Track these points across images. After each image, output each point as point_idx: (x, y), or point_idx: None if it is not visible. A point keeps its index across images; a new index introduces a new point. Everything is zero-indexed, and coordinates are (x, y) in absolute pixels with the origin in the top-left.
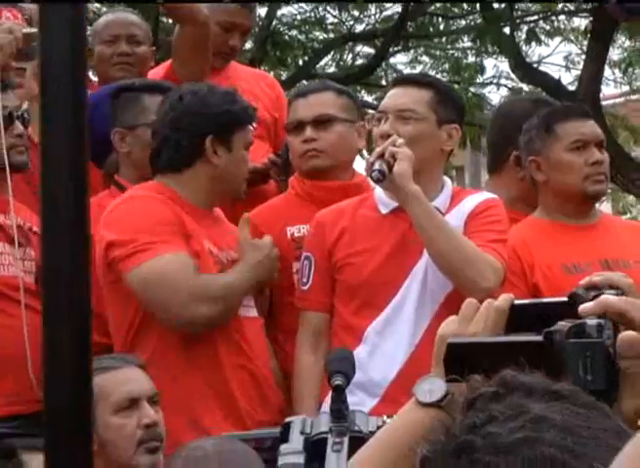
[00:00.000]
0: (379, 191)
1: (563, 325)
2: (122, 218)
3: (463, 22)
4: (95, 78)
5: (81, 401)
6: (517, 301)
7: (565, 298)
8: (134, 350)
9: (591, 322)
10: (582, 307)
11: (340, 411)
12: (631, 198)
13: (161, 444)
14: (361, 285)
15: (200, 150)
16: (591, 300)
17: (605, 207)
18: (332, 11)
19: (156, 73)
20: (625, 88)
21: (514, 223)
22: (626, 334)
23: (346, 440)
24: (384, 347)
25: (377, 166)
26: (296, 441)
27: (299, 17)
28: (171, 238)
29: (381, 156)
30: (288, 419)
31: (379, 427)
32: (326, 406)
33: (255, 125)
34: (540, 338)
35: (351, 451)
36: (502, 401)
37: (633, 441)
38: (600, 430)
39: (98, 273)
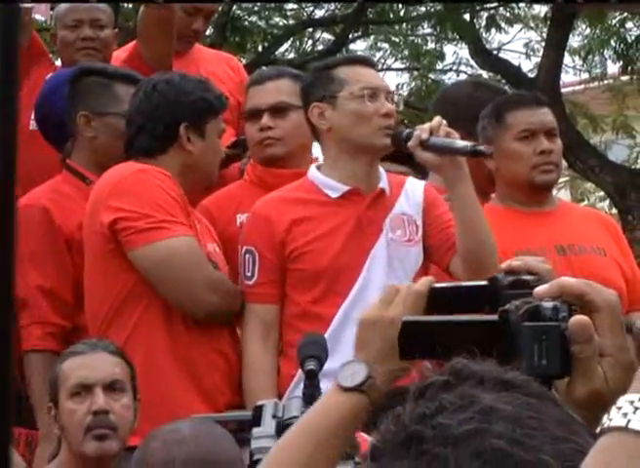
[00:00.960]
0: (321, 177)
1: (517, 305)
2: (136, 190)
3: (423, 9)
4: (58, 63)
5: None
6: (436, 285)
7: (484, 282)
8: (113, 326)
9: (547, 304)
10: (538, 290)
11: (312, 396)
12: (589, 185)
13: (113, 432)
14: (324, 271)
15: (174, 137)
16: (508, 284)
17: (563, 194)
18: None
19: (118, 56)
20: (585, 75)
21: None
22: (577, 319)
23: None
24: (350, 334)
25: (463, 143)
26: (268, 425)
27: (258, 2)
28: (184, 220)
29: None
30: (260, 402)
31: None
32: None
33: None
34: (495, 318)
35: None
36: (453, 390)
37: (602, 445)
38: (549, 421)
39: (88, 246)
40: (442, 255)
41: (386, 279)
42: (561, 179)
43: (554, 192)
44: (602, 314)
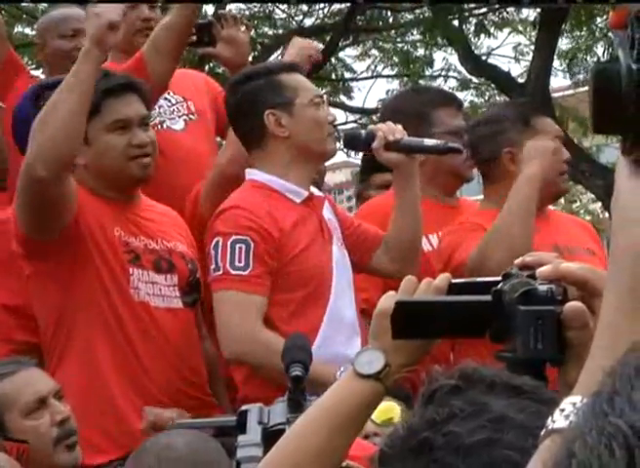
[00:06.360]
0: (281, 181)
1: (512, 285)
2: None
3: (412, 16)
4: (35, 73)
5: None
6: (453, 280)
7: (499, 278)
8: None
9: (542, 288)
10: (540, 271)
11: (298, 402)
12: (580, 187)
13: (76, 437)
14: (315, 272)
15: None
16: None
17: None
18: (280, 5)
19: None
20: (575, 78)
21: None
22: (572, 305)
23: None
24: (337, 337)
25: (433, 141)
26: (254, 432)
27: (247, 12)
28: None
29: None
30: (244, 407)
31: None
32: None
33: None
34: (488, 298)
35: None
36: (463, 395)
37: (544, 448)
38: None
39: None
40: (362, 255)
41: (345, 281)
42: None
43: None
44: None
